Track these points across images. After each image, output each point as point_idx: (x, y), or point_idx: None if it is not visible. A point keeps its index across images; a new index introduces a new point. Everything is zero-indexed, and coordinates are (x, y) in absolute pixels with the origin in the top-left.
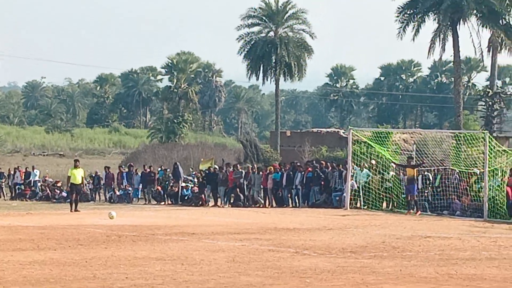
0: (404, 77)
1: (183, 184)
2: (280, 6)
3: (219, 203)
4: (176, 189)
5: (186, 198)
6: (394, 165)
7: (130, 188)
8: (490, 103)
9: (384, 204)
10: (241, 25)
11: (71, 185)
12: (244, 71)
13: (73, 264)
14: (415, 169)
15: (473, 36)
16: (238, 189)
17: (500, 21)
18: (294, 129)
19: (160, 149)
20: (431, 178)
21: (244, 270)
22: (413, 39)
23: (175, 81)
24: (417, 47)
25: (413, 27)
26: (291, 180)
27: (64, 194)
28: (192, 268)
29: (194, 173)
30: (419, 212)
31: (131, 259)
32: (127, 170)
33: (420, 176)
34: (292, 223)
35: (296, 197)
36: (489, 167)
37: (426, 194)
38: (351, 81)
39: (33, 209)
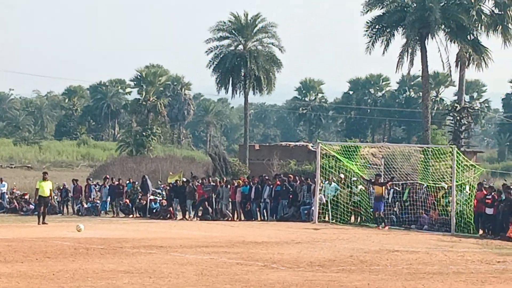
0: (372, 91)
1: (152, 197)
2: (250, 20)
3: (187, 216)
4: (145, 202)
5: (154, 211)
6: (363, 180)
7: (98, 201)
8: (458, 117)
9: (352, 218)
10: (210, 38)
11: (39, 197)
12: (213, 84)
13: (40, 277)
14: (383, 187)
15: (441, 51)
16: (206, 202)
17: (468, 36)
18: (263, 142)
19: (128, 161)
20: (399, 192)
21: (212, 284)
22: (383, 53)
23: (144, 94)
24: (385, 61)
25: (382, 42)
26: (259, 193)
27: (32, 206)
28: (160, 281)
29: (162, 186)
30: (387, 227)
31: (99, 272)
32: (101, 182)
33: (392, 190)
34: (260, 237)
35: (264, 210)
36: (456, 181)
37: (394, 208)
38: (320, 95)
39: (0, 222)
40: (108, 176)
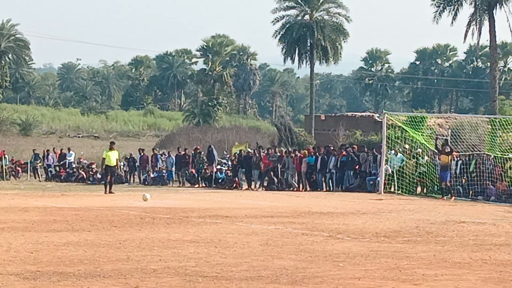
0: (439, 62)
1: (217, 167)
2: None
3: (252, 186)
4: (210, 172)
5: (220, 181)
6: (429, 150)
7: (164, 171)
8: None
9: (419, 189)
10: (276, 8)
11: (105, 167)
12: (279, 54)
13: (107, 245)
14: (449, 156)
15: (509, 21)
16: (272, 173)
17: None
18: (329, 113)
19: (194, 131)
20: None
21: (277, 254)
22: (451, 23)
23: (210, 64)
24: (453, 31)
25: (449, 11)
26: (325, 164)
27: (99, 176)
28: (226, 251)
29: (228, 156)
30: (453, 197)
31: (165, 241)
32: (183, 153)
33: (460, 161)
34: (325, 207)
35: (330, 181)
36: None
37: (463, 180)
38: (386, 65)
39: (67, 191)
40: (198, 147)
